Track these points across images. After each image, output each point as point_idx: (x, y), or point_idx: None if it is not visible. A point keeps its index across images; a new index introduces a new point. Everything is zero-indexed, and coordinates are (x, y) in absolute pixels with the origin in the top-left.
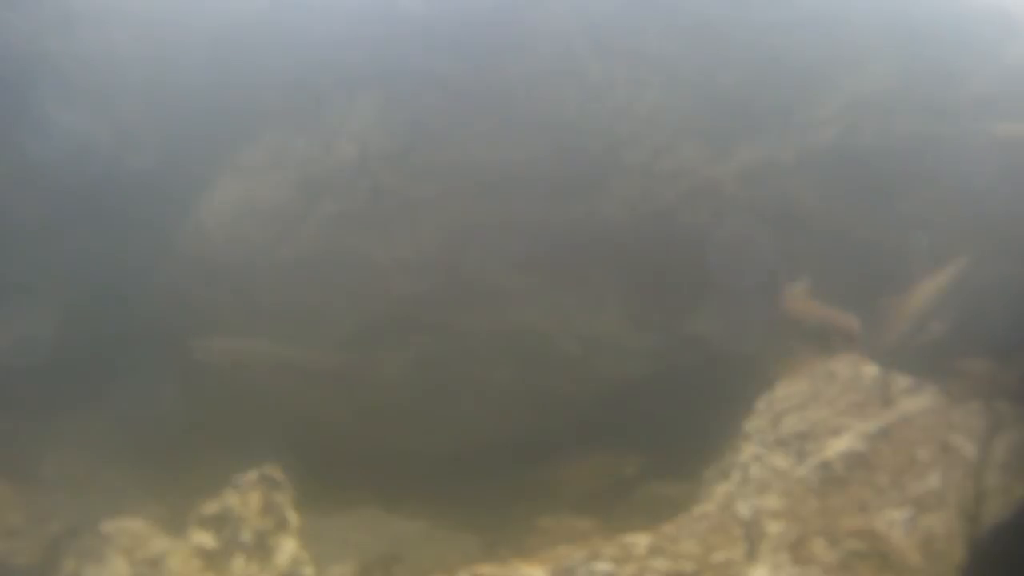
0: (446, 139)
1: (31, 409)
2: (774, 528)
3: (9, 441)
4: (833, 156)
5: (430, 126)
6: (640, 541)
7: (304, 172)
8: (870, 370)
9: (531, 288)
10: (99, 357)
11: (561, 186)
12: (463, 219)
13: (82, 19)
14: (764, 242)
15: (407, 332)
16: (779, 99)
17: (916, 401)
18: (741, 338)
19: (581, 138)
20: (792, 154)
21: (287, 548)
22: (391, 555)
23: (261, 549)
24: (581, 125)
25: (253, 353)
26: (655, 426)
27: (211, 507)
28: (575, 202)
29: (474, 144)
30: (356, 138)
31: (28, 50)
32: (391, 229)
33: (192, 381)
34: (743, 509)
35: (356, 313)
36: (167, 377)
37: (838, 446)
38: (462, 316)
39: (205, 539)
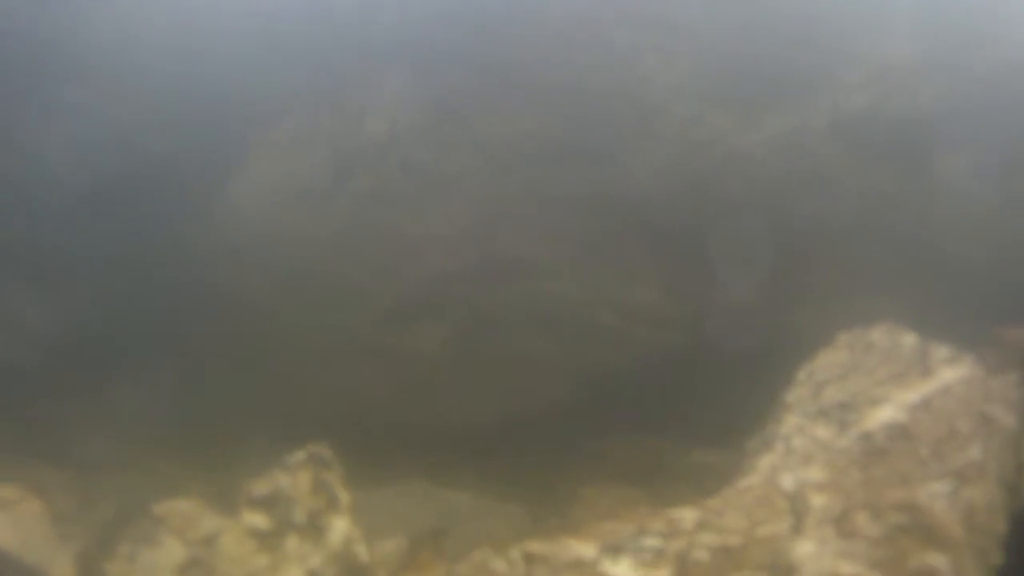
0: (475, 113)
1: (75, 392)
2: (818, 501)
3: (55, 425)
4: (864, 123)
5: (459, 100)
6: (687, 515)
7: (335, 148)
8: (909, 339)
9: (565, 260)
10: (138, 338)
11: (592, 157)
12: (495, 192)
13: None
14: (796, 209)
15: (443, 306)
16: (808, 67)
17: (955, 371)
18: (779, 306)
19: (610, 109)
20: (822, 121)
21: (339, 527)
22: (439, 529)
23: (313, 528)
24: (610, 96)
25: None
26: (694, 396)
27: (261, 488)
28: (607, 173)
29: (503, 117)
30: (385, 114)
31: (50, 37)
32: (423, 204)
33: (234, 360)
34: (787, 482)
35: (391, 288)
36: (206, 357)
37: (879, 416)
38: (498, 289)
39: (257, 520)
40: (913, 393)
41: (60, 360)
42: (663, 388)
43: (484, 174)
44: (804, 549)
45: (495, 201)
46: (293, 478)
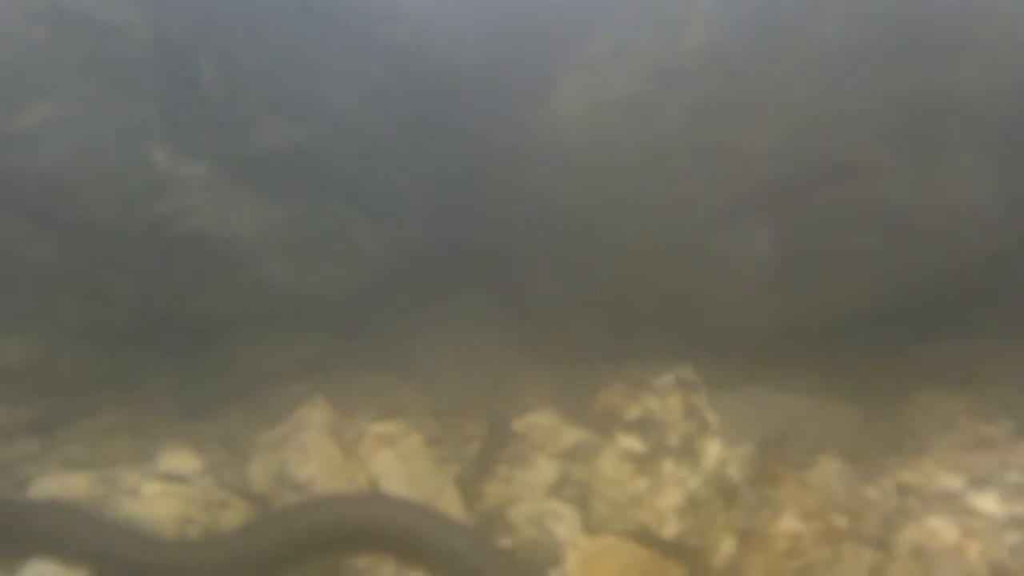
0: (796, 21)
1: (415, 308)
2: None
3: (391, 333)
4: None
5: (782, 9)
6: None
7: (655, 61)
8: None
9: (893, 164)
10: (466, 250)
11: (919, 63)
12: (821, 100)
13: None
14: None
15: (771, 211)
16: None
17: None
18: None
19: (937, 12)
20: None
21: (712, 450)
22: (782, 434)
23: (687, 452)
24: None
25: None
26: None
27: (633, 411)
28: (934, 78)
29: (824, 24)
30: (706, 25)
31: None
32: (748, 113)
33: (565, 268)
34: None
35: (718, 195)
36: (538, 268)
37: None
38: (825, 194)
39: (632, 443)
40: None
41: (396, 279)
42: (992, 293)
43: (809, 82)
44: None
45: (821, 108)
46: (663, 402)
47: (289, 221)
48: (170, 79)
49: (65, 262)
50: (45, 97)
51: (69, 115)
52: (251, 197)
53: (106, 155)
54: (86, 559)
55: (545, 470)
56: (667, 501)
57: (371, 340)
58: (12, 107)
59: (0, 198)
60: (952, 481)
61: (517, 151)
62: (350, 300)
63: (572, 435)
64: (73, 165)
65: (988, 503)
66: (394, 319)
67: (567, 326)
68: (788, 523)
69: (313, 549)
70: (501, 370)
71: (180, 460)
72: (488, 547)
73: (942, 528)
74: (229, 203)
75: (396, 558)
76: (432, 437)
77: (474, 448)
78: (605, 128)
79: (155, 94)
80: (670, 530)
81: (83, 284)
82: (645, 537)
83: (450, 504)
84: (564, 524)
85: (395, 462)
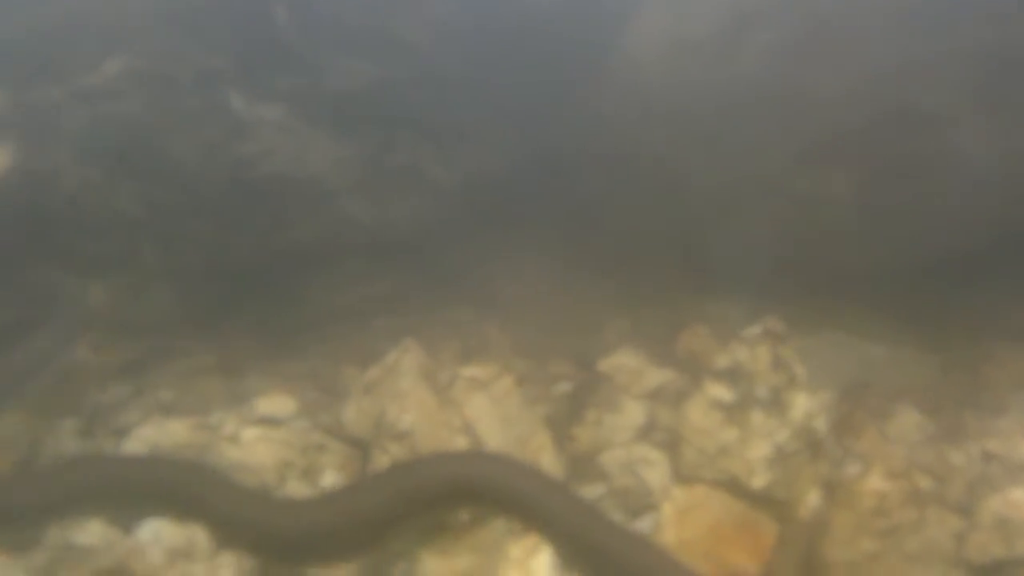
0: None
1: (487, 234)
2: None
3: (469, 268)
4: None
5: None
6: None
7: (735, 3)
8: None
9: (972, 114)
10: (541, 186)
11: (997, 15)
12: (903, 48)
13: None
14: None
15: (852, 155)
16: None
17: None
18: None
19: None
20: None
21: (799, 402)
22: (861, 380)
23: (776, 404)
24: None
25: None
26: None
27: (722, 360)
28: (1013, 31)
29: None
30: None
31: None
32: (828, 60)
33: (641, 208)
34: None
35: (799, 138)
36: (611, 206)
37: None
38: (904, 142)
39: (721, 392)
40: None
41: (472, 214)
42: None
43: (889, 29)
44: None
45: (901, 56)
46: (751, 352)
47: (364, 158)
48: (244, 25)
49: (149, 207)
50: (125, 49)
51: (149, 65)
52: (327, 136)
53: (185, 102)
54: (200, 517)
55: (633, 413)
56: (757, 452)
57: (448, 275)
58: (95, 60)
59: (86, 147)
60: None
61: (593, 88)
62: (426, 235)
63: (656, 376)
64: (154, 113)
65: None
66: (471, 254)
67: (644, 263)
68: (875, 481)
69: (424, 507)
70: (580, 306)
71: (276, 403)
72: (602, 518)
73: None
74: (305, 143)
75: (505, 515)
76: (520, 377)
77: (562, 388)
78: (683, 67)
79: (230, 41)
80: (759, 481)
81: (166, 227)
82: (735, 488)
83: (542, 449)
84: (655, 471)
85: (488, 406)
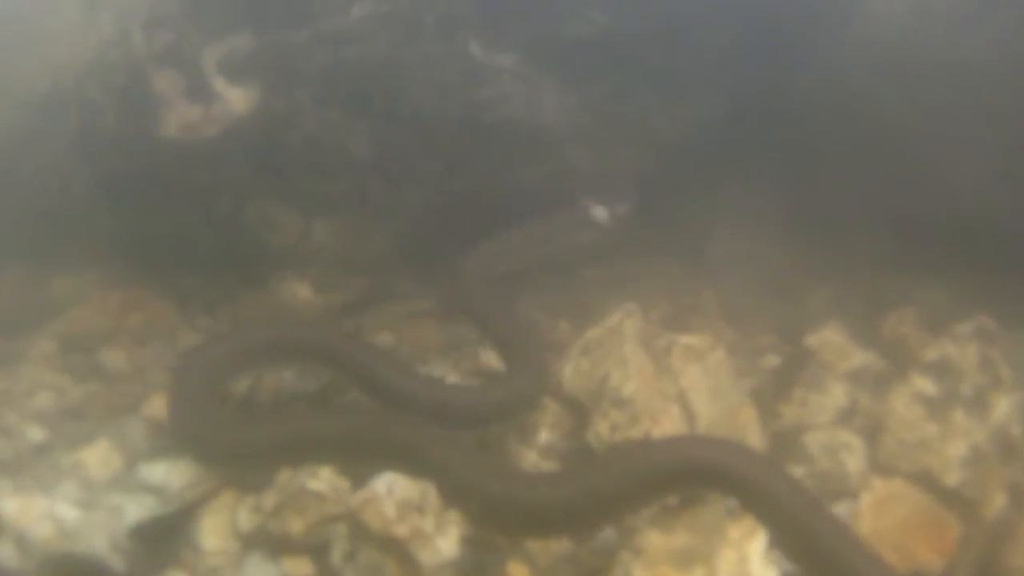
0: None
1: (701, 189)
2: None
3: (680, 221)
4: None
5: None
6: None
7: None
8: None
9: None
10: (761, 144)
11: None
12: None
13: None
14: None
15: None
16: None
17: None
18: None
19: None
20: None
21: (1002, 405)
22: None
23: (979, 404)
24: None
25: None
26: None
27: (931, 353)
28: None
29: None
30: None
31: None
32: None
33: (870, 174)
34: None
35: None
36: (829, 167)
37: None
38: None
39: (926, 386)
40: None
41: (689, 167)
42: None
43: None
44: None
45: None
46: (961, 349)
47: (589, 107)
48: None
49: (381, 148)
50: None
51: (394, 10)
52: (558, 85)
53: (427, 47)
54: (436, 479)
55: (836, 394)
56: (954, 450)
57: (661, 228)
58: (342, 3)
59: (327, 89)
60: None
61: (825, 48)
62: (643, 184)
63: (860, 357)
64: (396, 56)
65: None
66: (685, 208)
67: (853, 231)
68: None
69: (659, 490)
70: (786, 272)
71: (490, 353)
72: (823, 508)
73: None
74: (537, 91)
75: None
76: (729, 347)
77: (769, 362)
78: (922, 36)
79: None
80: (952, 479)
81: (395, 168)
82: (928, 482)
83: (748, 424)
84: (854, 457)
85: (701, 376)
